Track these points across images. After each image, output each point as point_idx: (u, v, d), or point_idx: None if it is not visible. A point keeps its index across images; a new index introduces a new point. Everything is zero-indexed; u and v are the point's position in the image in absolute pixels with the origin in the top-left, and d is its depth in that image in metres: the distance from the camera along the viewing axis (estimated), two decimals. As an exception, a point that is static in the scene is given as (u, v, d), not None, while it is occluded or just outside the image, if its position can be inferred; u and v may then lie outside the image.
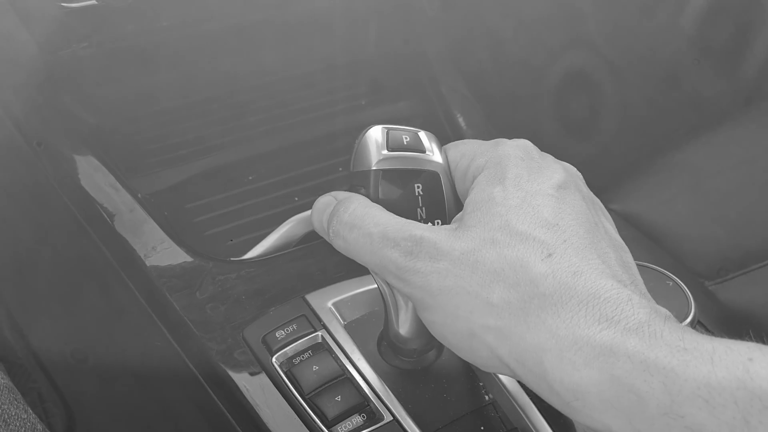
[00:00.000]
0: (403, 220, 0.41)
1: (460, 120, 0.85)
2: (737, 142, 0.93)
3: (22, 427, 0.49)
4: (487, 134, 0.86)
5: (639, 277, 0.40)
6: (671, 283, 0.55)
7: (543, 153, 0.44)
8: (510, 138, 0.45)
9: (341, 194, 0.44)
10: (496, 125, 0.90)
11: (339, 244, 0.43)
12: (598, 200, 0.44)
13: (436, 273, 0.38)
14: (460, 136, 0.83)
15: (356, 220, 0.41)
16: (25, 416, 0.50)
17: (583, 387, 0.33)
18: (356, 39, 0.94)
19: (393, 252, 0.39)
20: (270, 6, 0.85)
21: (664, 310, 0.36)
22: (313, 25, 0.90)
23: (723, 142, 0.93)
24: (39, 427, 0.50)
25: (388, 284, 0.46)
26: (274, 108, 0.85)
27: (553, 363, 0.34)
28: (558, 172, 0.41)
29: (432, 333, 0.41)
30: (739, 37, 1.11)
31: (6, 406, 0.49)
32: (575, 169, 0.44)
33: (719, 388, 0.30)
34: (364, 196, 0.43)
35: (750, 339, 0.33)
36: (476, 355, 0.38)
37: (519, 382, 0.52)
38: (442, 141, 0.46)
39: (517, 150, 0.42)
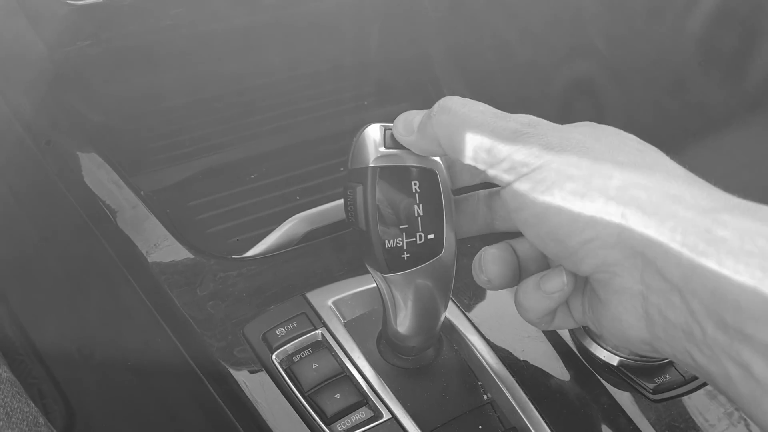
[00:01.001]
0: None
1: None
2: (742, 146, 0.93)
3: (23, 421, 0.49)
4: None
5: None
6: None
7: None
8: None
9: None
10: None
11: (442, 119, 0.41)
12: None
13: (558, 133, 0.38)
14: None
15: (468, 102, 0.41)
16: (27, 409, 0.50)
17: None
18: (361, 40, 0.95)
19: (509, 122, 0.39)
20: (276, 7, 0.85)
21: None
22: (317, 27, 0.90)
23: (727, 145, 0.93)
24: (41, 420, 0.51)
25: (386, 282, 0.46)
26: (278, 107, 0.86)
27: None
28: None
29: (539, 219, 0.38)
30: (746, 43, 1.12)
31: (8, 399, 0.49)
32: None
33: None
34: None
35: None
36: (600, 220, 0.36)
37: (517, 381, 0.53)
38: None
39: None
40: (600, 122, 0.42)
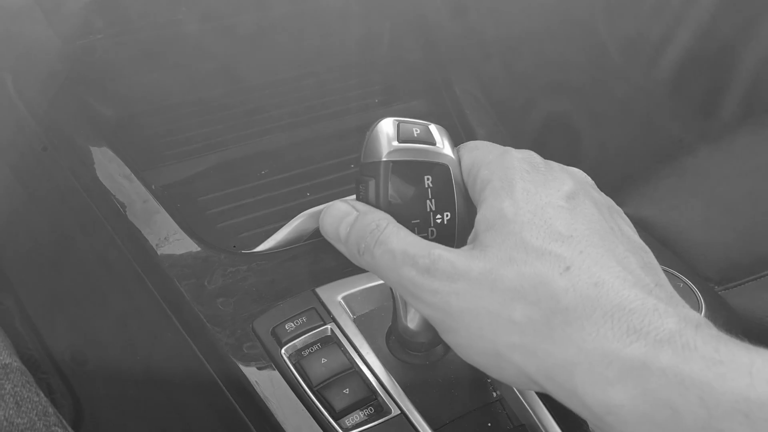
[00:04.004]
0: (426, 241, 0.41)
1: (472, 121, 0.86)
2: (750, 149, 0.93)
3: (33, 410, 0.49)
4: (497, 135, 0.86)
5: (664, 278, 0.39)
6: (682, 285, 0.55)
7: (548, 162, 0.43)
8: (520, 145, 0.45)
9: (361, 206, 0.44)
10: (508, 126, 0.90)
11: (367, 261, 0.42)
12: (612, 203, 0.43)
13: (454, 294, 0.38)
14: (471, 136, 0.83)
15: (385, 237, 0.41)
16: (37, 399, 0.51)
17: (616, 402, 0.33)
18: (371, 39, 0.95)
19: (410, 270, 0.39)
20: (285, 3, 0.85)
21: (695, 315, 0.35)
22: (328, 24, 0.91)
23: (736, 148, 0.93)
24: (50, 410, 0.51)
25: None
26: (288, 104, 0.86)
27: (584, 378, 0.34)
28: (566, 182, 0.41)
29: (459, 355, 0.40)
30: (713, 86, 1.13)
31: (18, 388, 0.49)
32: (584, 174, 0.44)
33: (759, 403, 0.29)
34: (390, 216, 0.43)
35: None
36: (505, 374, 0.38)
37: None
38: (454, 140, 0.46)
39: (522, 162, 0.42)
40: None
